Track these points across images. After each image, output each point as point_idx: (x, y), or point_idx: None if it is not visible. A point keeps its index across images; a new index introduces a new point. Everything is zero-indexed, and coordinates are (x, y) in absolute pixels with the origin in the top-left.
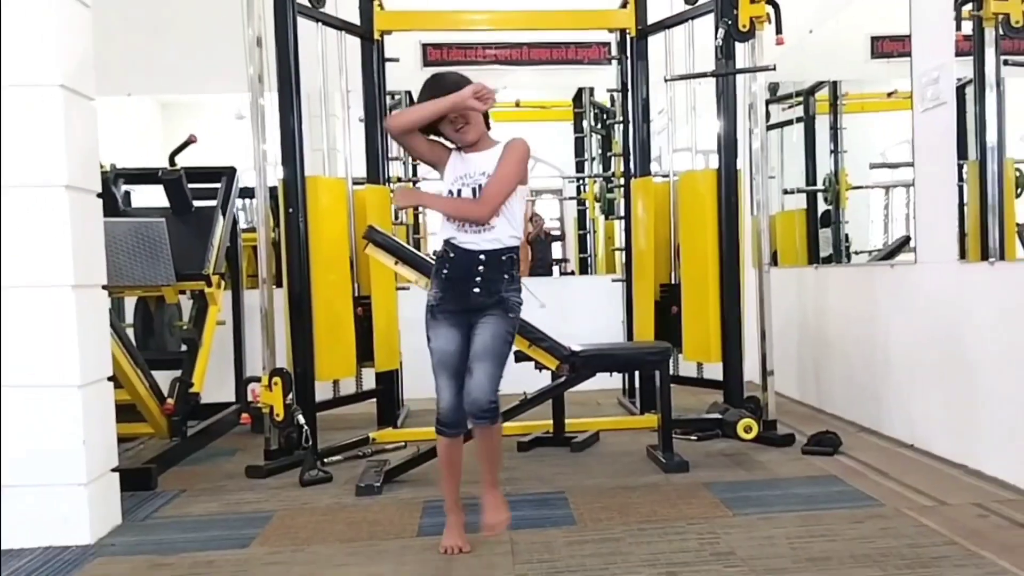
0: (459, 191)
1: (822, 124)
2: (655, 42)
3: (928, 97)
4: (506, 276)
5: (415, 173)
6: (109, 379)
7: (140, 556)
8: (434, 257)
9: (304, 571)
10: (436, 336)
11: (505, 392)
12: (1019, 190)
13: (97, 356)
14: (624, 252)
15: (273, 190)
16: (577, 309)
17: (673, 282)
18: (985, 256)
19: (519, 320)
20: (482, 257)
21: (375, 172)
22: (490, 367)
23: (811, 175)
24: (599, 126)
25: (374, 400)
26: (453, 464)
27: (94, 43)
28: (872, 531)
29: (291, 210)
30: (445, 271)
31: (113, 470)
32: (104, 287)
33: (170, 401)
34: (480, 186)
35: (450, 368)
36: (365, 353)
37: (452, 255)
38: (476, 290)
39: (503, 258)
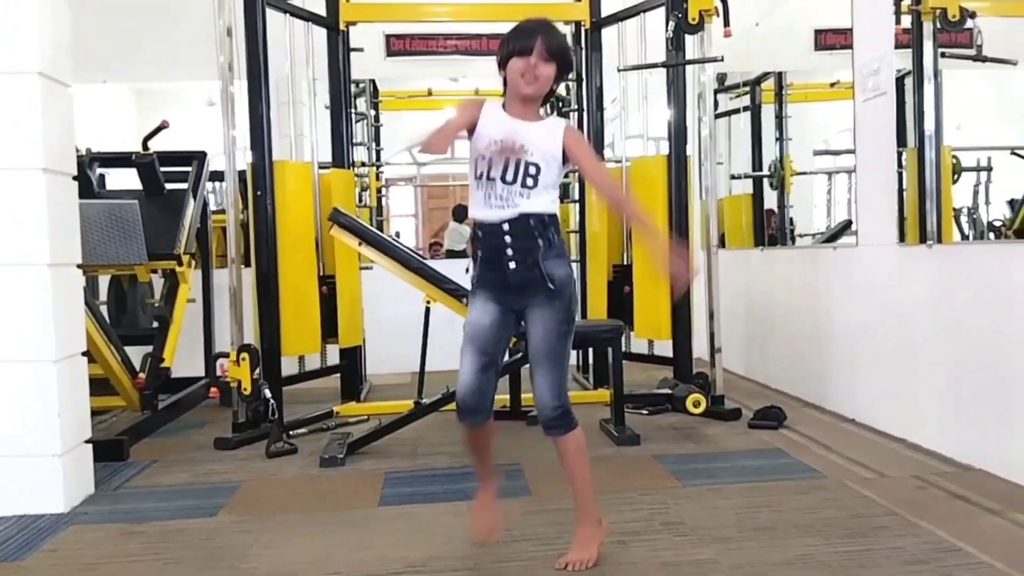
0: (505, 166)
1: (768, 113)
2: (608, 34)
3: (869, 87)
4: (540, 240)
5: (379, 158)
6: (83, 354)
7: (112, 524)
8: (471, 238)
9: (270, 539)
10: (472, 309)
11: None
12: (955, 176)
13: (71, 332)
14: (578, 234)
15: (242, 174)
16: None
17: (625, 263)
18: (923, 239)
19: (574, 299)
20: (506, 227)
21: (340, 157)
22: (550, 373)
23: (757, 161)
24: (555, 113)
25: (338, 375)
26: (481, 450)
27: (71, 32)
28: (815, 502)
29: (259, 193)
30: (480, 252)
31: (87, 441)
32: (79, 266)
33: (142, 375)
34: (530, 165)
35: (477, 342)
36: (330, 330)
37: (481, 233)
38: (512, 265)
39: (532, 221)
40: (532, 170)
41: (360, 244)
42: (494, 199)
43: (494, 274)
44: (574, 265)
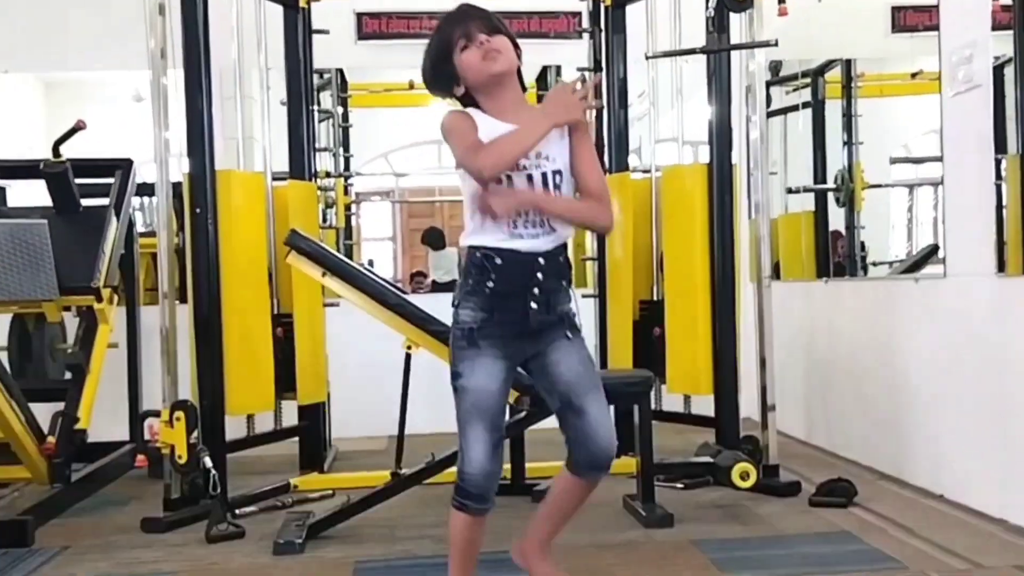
0: (528, 176)
1: (833, 110)
2: (634, 12)
3: (960, 79)
4: (564, 283)
5: (347, 167)
6: None
7: None
8: (466, 268)
9: None
10: (473, 370)
11: (454, 429)
12: None
13: None
14: (597, 263)
15: (177, 187)
16: None
17: (655, 298)
18: None
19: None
20: (541, 261)
21: (299, 166)
22: (605, 404)
23: (820, 171)
24: None
25: (296, 439)
26: (472, 549)
27: None
28: None
29: (198, 210)
30: (491, 284)
31: None
32: None
33: (51, 439)
34: (555, 172)
35: (487, 414)
36: (286, 383)
37: (499, 261)
38: (533, 305)
39: (561, 259)
40: (557, 179)
41: (324, 274)
42: (525, 224)
43: (508, 315)
44: (592, 301)
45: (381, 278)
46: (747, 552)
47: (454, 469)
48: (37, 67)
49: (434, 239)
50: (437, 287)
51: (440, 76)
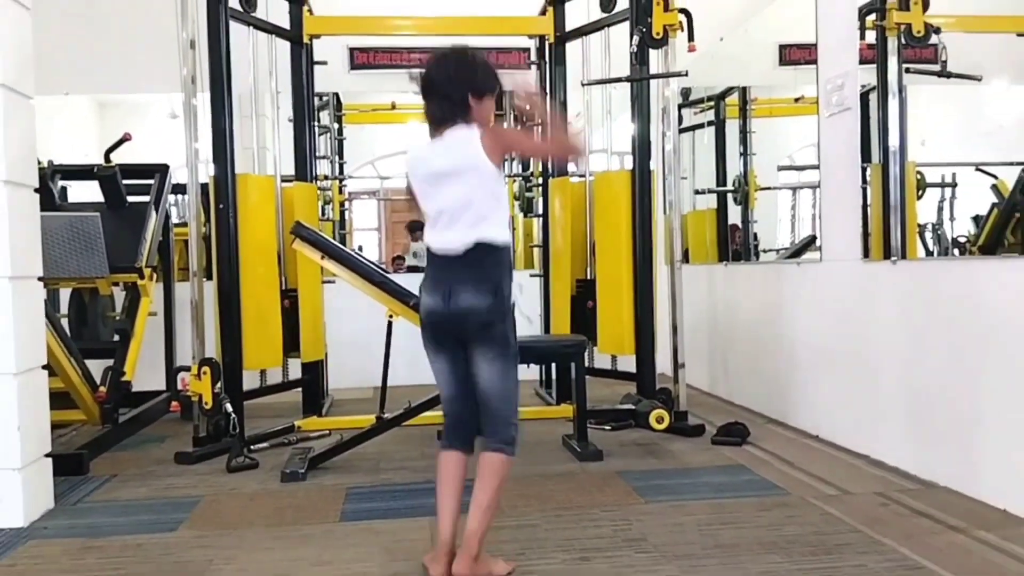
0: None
1: (732, 128)
2: (573, 48)
3: (833, 103)
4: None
5: (342, 172)
6: (44, 367)
7: (71, 539)
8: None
9: (230, 554)
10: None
11: (427, 382)
12: (920, 192)
13: (32, 345)
14: (542, 249)
15: (204, 187)
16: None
17: (589, 278)
18: (888, 255)
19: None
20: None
21: (303, 170)
22: None
23: (721, 176)
24: (518, 127)
25: (299, 389)
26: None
27: (33, 43)
28: (778, 519)
29: (221, 206)
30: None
31: (47, 455)
32: (40, 279)
33: (102, 389)
34: None
35: None
36: (291, 344)
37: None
38: None
39: None
40: None
41: (323, 258)
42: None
43: None
44: (538, 279)
45: (369, 261)
46: (661, 481)
47: (429, 413)
48: (92, 90)
49: (415, 228)
50: (412, 269)
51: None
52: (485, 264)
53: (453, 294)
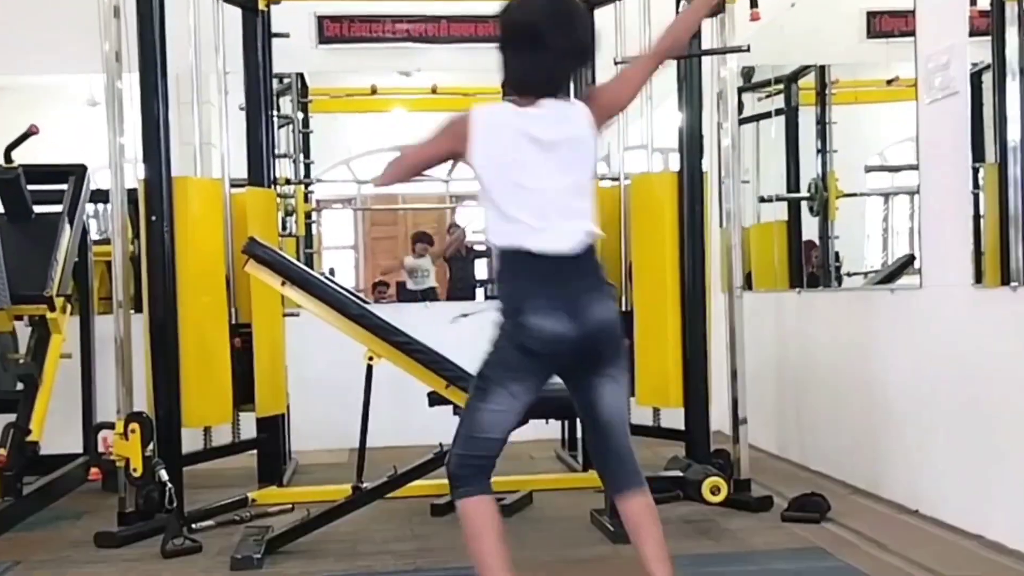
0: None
1: (807, 117)
2: (603, 16)
3: (936, 86)
4: None
5: (308, 174)
6: None
7: None
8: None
9: None
10: None
11: (416, 443)
12: None
13: None
14: None
15: (132, 193)
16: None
17: (624, 309)
18: (1006, 280)
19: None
20: None
21: (258, 172)
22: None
23: (794, 179)
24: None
25: (254, 452)
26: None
27: None
28: None
29: (154, 218)
30: None
31: None
32: None
33: (2, 452)
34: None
35: None
36: (244, 394)
37: None
38: None
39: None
40: None
41: (283, 284)
42: None
43: None
44: None
45: (342, 288)
46: (717, 568)
47: (419, 482)
48: None
49: (419, 240)
50: (405, 298)
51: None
52: (596, 263)
53: (581, 307)
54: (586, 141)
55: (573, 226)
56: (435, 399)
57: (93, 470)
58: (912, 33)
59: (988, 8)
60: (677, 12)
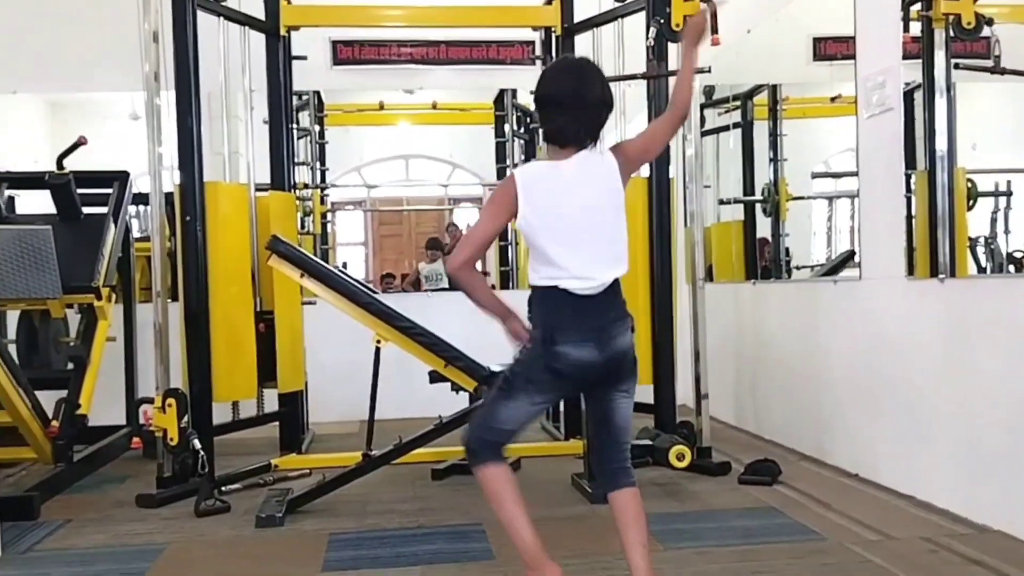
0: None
1: (761, 130)
2: (582, 41)
3: (874, 103)
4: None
5: (323, 180)
6: None
7: None
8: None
9: None
10: None
11: (419, 415)
12: (971, 202)
13: None
14: None
15: (169, 196)
16: (496, 326)
17: None
18: (935, 273)
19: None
20: None
21: (280, 178)
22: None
23: (749, 185)
24: (522, 130)
25: (276, 424)
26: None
27: None
28: (813, 567)
29: (188, 218)
30: None
31: None
32: None
33: (55, 423)
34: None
35: None
36: (267, 372)
37: None
38: None
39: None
40: None
41: (302, 276)
42: None
43: None
44: None
45: (354, 279)
46: (682, 525)
47: (421, 450)
48: (43, 88)
49: (433, 247)
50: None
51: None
52: (620, 298)
53: (607, 338)
54: (616, 190)
55: (606, 268)
56: (435, 377)
57: (135, 440)
58: (853, 56)
59: (919, 35)
60: (647, 35)
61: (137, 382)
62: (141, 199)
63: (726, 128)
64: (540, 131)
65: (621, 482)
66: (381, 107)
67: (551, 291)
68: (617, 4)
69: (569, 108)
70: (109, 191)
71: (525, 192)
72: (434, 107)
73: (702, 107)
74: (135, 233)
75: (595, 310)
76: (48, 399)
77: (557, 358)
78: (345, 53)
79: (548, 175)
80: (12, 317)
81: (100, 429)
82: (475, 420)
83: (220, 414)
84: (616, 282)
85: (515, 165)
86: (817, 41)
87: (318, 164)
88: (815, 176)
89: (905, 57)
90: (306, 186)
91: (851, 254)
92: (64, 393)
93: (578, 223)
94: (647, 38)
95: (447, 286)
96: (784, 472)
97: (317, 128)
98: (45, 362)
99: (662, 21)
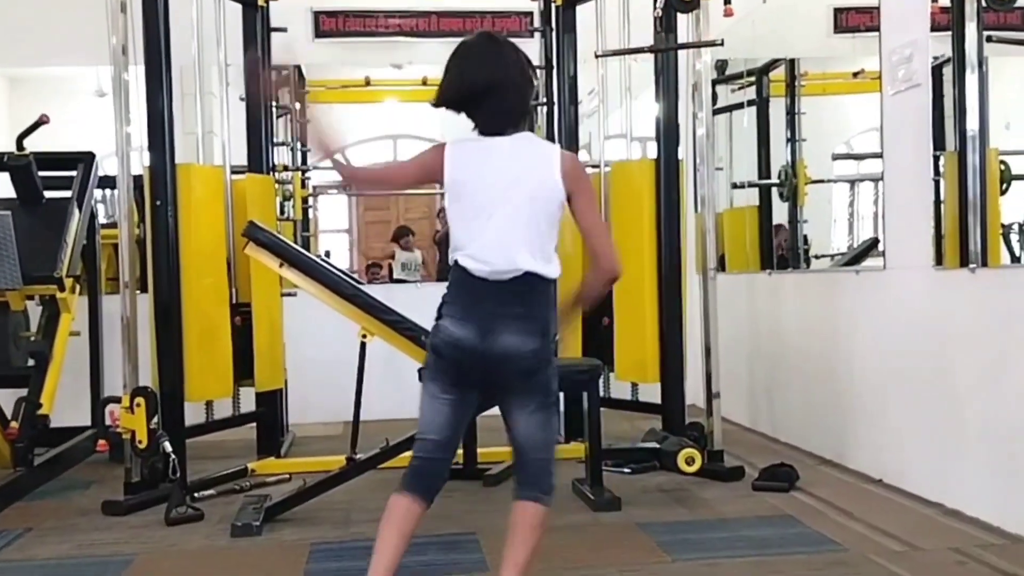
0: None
1: (777, 108)
2: (584, 12)
3: (899, 78)
4: None
5: (305, 161)
6: None
7: None
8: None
9: None
10: None
11: (408, 416)
12: (1004, 186)
13: None
14: None
15: (138, 179)
16: None
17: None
18: (965, 262)
19: None
20: None
21: (258, 160)
22: None
23: (765, 167)
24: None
25: (254, 425)
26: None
27: None
28: None
29: (159, 203)
30: None
31: None
32: None
33: (14, 424)
34: None
35: None
36: (244, 370)
37: None
38: None
39: None
40: None
41: (281, 265)
42: None
43: None
44: None
45: (337, 269)
46: (691, 535)
47: (408, 454)
48: (2, 63)
49: (402, 235)
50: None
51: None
52: (538, 299)
53: (493, 331)
54: (552, 186)
55: (507, 255)
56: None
57: (100, 442)
58: (877, 28)
59: (948, 5)
60: (654, 6)
61: (103, 380)
62: (107, 182)
63: (740, 106)
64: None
65: (522, 494)
66: (367, 83)
67: (457, 268)
68: None
69: (487, 93)
70: (73, 173)
71: (452, 155)
72: (424, 83)
73: (714, 83)
74: (101, 219)
75: (491, 298)
76: (7, 398)
77: (438, 331)
78: (328, 24)
79: (482, 146)
80: None
81: (63, 431)
82: None
83: (193, 415)
84: (536, 279)
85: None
86: (838, 12)
87: (299, 145)
88: (836, 158)
89: (933, 29)
90: (286, 168)
91: (875, 242)
92: (24, 392)
93: (493, 201)
94: (655, 8)
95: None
96: (802, 477)
97: (298, 106)
98: (3, 359)
99: None
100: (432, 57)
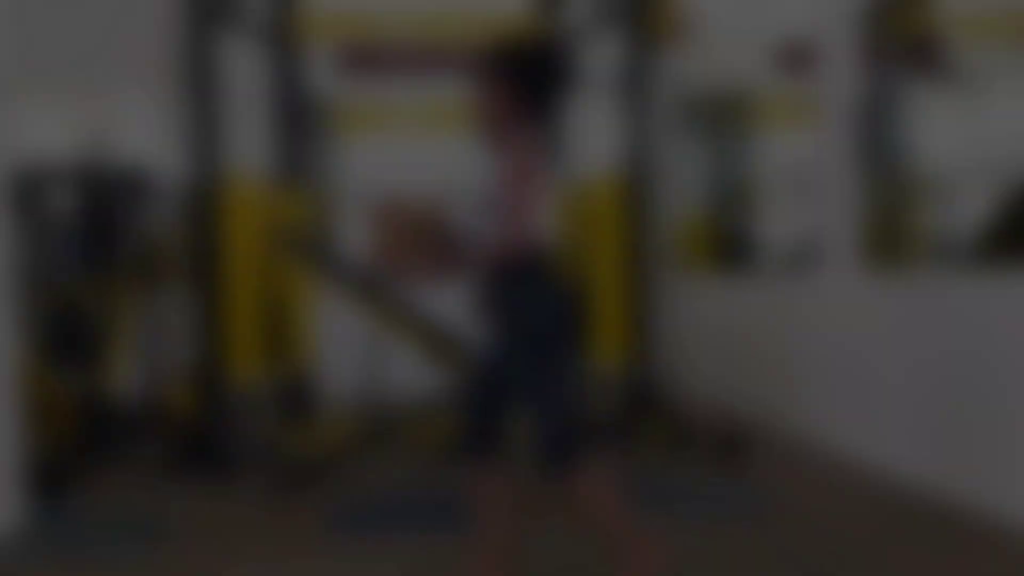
0: None
1: None
2: None
3: None
4: None
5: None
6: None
7: (48, 554)
8: None
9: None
10: None
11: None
12: None
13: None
14: None
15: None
16: None
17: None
18: None
19: None
20: None
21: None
22: None
23: None
24: None
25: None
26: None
27: None
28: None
29: (203, 203)
30: None
31: (25, 466)
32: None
33: (84, 398)
34: None
35: None
36: (283, 347)
37: None
38: None
39: None
40: None
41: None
42: None
43: None
44: None
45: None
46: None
47: (429, 427)
48: None
49: None
50: None
51: None
52: None
53: None
54: None
55: None
56: None
57: (156, 414)
58: None
59: None
60: None
61: (159, 357)
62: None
63: None
64: None
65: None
66: None
67: None
68: None
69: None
70: None
71: None
72: None
73: None
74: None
75: None
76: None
77: None
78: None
79: None
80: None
81: (124, 402)
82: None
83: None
84: None
85: None
86: None
87: None
88: None
89: None
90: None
91: None
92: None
93: None
94: None
95: None
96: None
97: None
98: (73, 338)
99: None
100: None
